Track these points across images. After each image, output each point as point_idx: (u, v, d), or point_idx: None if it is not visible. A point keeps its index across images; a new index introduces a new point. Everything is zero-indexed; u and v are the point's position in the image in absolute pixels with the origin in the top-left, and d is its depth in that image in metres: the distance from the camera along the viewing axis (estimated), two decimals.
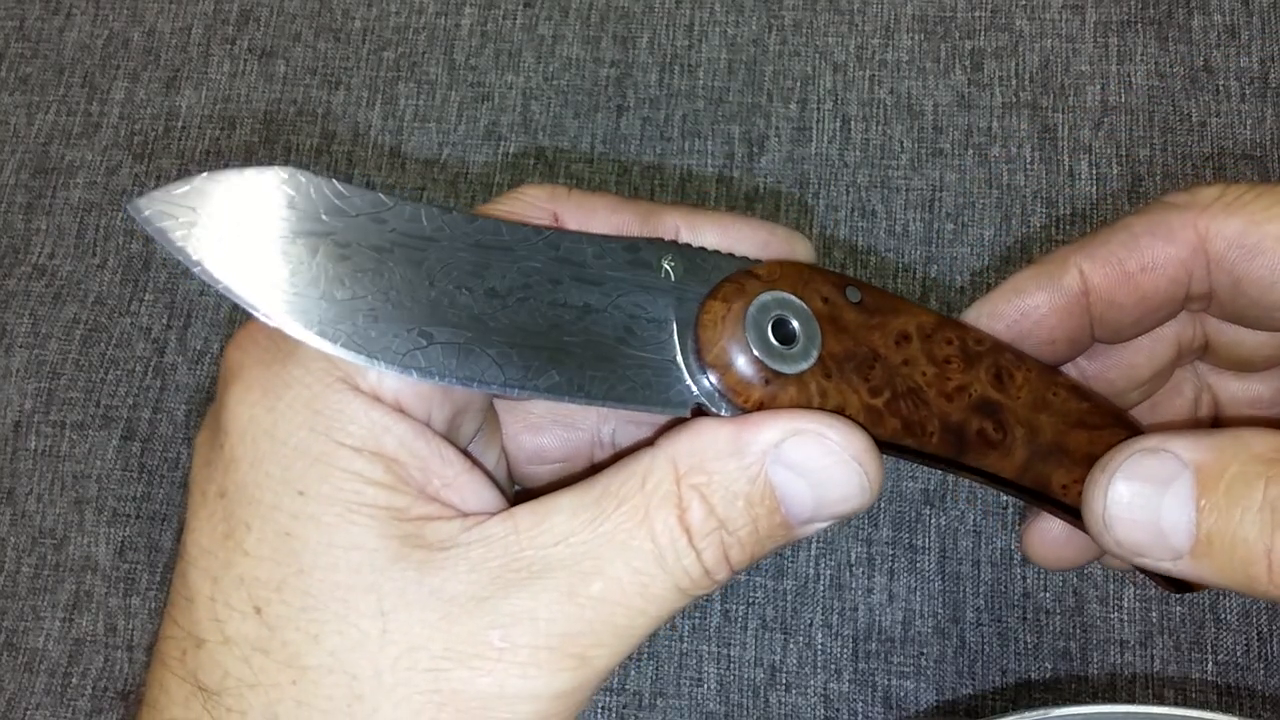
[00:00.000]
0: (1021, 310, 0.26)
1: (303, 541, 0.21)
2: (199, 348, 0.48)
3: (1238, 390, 0.30)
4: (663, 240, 0.24)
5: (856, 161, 0.47)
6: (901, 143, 0.47)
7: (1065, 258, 0.26)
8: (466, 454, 0.24)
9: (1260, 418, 0.30)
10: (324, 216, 0.21)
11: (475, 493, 0.23)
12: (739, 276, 0.23)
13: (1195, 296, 0.26)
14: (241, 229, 0.20)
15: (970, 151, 0.47)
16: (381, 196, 0.21)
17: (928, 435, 0.24)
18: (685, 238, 0.25)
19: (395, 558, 0.21)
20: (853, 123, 0.48)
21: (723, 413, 0.23)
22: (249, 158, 0.51)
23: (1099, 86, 0.47)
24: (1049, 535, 0.28)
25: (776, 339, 0.23)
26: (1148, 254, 0.26)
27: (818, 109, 0.48)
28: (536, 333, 0.22)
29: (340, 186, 0.21)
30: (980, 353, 0.25)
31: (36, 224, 0.50)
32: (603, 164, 0.48)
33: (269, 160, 0.50)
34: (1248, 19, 0.47)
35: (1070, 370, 0.29)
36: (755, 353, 0.23)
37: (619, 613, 0.21)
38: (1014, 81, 0.47)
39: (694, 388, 0.23)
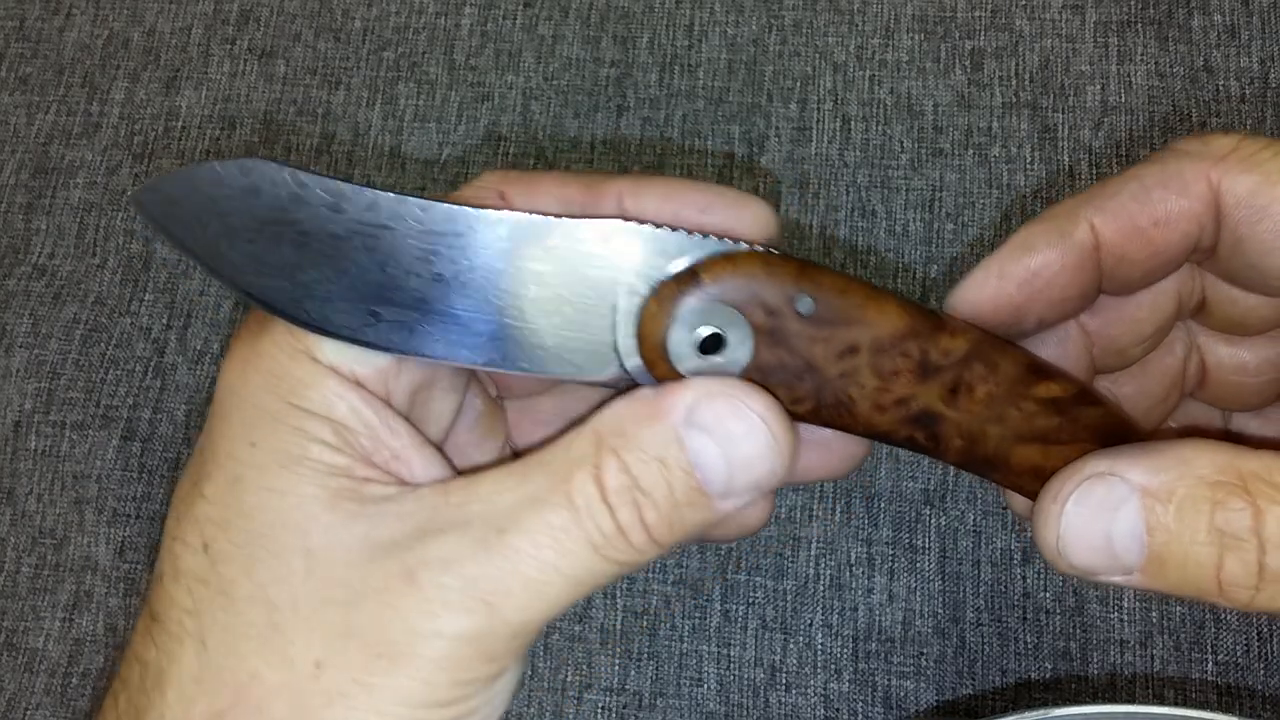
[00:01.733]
0: (1032, 270, 0.25)
1: (248, 486, 0.23)
2: (199, 348, 0.48)
3: (1225, 355, 0.29)
4: (622, 221, 0.24)
5: (856, 161, 0.47)
6: (901, 143, 0.47)
7: (1074, 211, 0.25)
8: (441, 452, 0.25)
9: (1245, 385, 0.29)
10: (287, 207, 0.23)
11: (424, 468, 0.24)
12: (685, 277, 0.23)
13: (1202, 249, 0.26)
14: (219, 219, 0.23)
15: (970, 151, 0.47)
16: (340, 186, 0.23)
17: (850, 432, 0.24)
18: (629, 204, 0.25)
19: (328, 506, 0.23)
20: (853, 123, 0.48)
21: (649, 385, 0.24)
22: (249, 157, 0.51)
23: (1099, 86, 0.47)
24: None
25: (706, 348, 0.23)
26: (1160, 207, 0.24)
27: (818, 109, 0.48)
28: (478, 315, 0.23)
29: (303, 176, 0.24)
30: (942, 366, 0.24)
31: (36, 224, 0.50)
32: (603, 164, 0.48)
33: (269, 160, 0.50)
34: (1248, 19, 0.47)
35: (1071, 329, 0.27)
36: (677, 366, 0.23)
37: (530, 564, 0.22)
38: (1014, 81, 0.47)
39: (627, 366, 0.24)
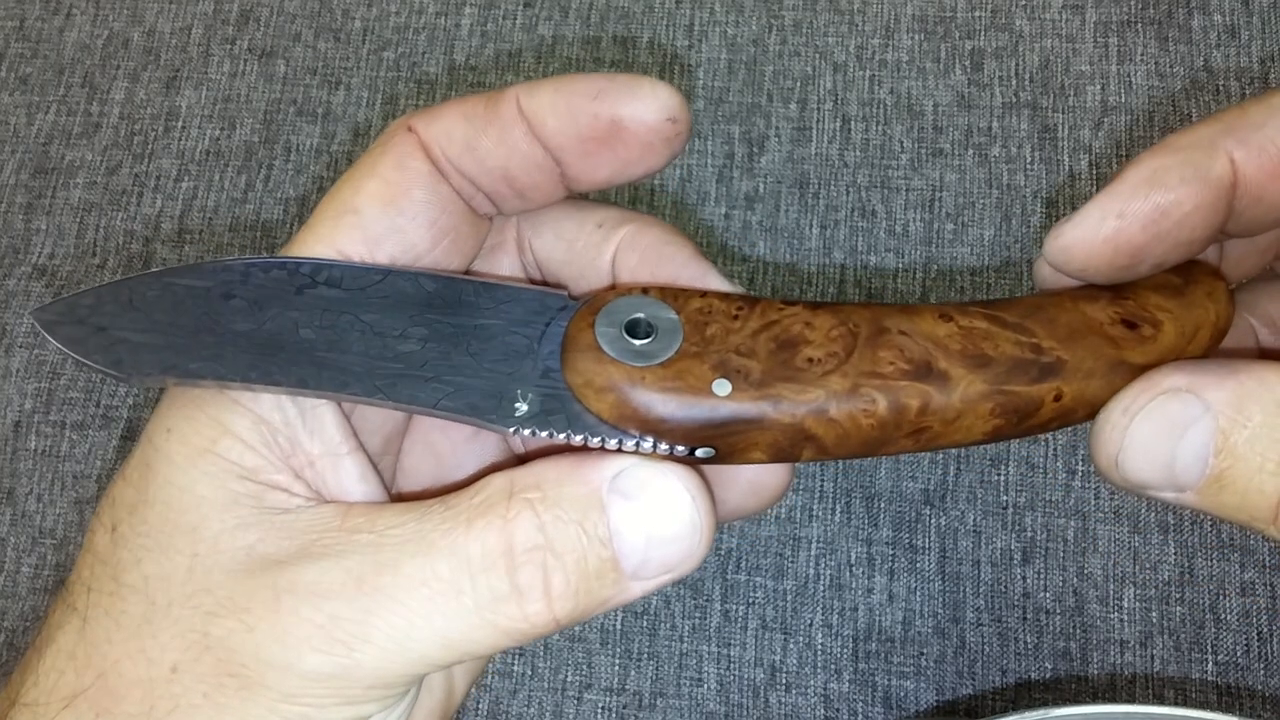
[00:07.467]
0: (1162, 208, 0.22)
1: (154, 474, 0.22)
2: None
3: None
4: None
5: (856, 161, 0.47)
6: (901, 143, 0.47)
7: (1213, 143, 0.22)
8: (380, 471, 0.24)
9: None
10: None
11: (339, 482, 0.23)
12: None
13: None
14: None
15: (970, 151, 0.47)
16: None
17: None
18: (524, 103, 0.24)
19: (223, 509, 0.21)
20: (853, 123, 0.48)
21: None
22: (249, 158, 0.51)
23: (1099, 86, 0.47)
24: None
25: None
26: None
27: (818, 109, 0.48)
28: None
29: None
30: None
31: (36, 224, 0.50)
32: None
33: (269, 160, 0.50)
34: (1248, 19, 0.47)
35: None
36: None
37: (398, 613, 0.20)
38: (1014, 81, 0.47)
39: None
